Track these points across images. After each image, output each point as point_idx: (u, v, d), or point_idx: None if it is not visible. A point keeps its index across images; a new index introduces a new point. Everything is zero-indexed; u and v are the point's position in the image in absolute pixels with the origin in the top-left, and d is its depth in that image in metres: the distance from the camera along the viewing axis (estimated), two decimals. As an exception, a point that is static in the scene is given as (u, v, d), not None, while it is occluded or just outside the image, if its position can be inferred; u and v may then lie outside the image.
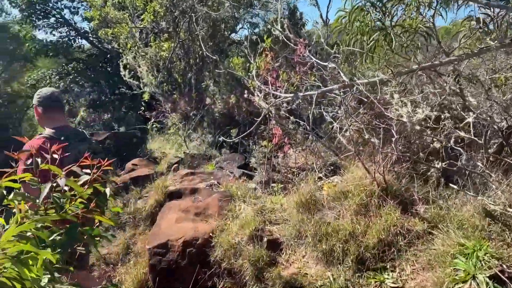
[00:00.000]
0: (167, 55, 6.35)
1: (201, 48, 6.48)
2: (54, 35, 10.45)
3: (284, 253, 3.03)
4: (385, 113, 3.01)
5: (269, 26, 4.13)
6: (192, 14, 5.80)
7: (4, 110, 14.42)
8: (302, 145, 4.49)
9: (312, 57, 4.02)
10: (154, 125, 6.78)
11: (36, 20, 9.41)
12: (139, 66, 6.90)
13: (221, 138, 6.58)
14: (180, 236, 3.28)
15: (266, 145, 4.44)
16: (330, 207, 3.24)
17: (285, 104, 4.46)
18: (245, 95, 4.58)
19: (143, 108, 6.77)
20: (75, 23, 10.79)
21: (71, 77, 9.34)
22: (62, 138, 2.33)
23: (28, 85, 9.93)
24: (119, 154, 5.28)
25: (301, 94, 3.87)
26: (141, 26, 6.62)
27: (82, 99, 10.88)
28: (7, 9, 10.23)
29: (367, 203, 3.13)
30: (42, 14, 9.28)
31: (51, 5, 10.11)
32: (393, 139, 3.01)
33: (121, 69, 6.83)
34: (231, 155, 5.16)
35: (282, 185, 4.06)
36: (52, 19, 10.35)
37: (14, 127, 14.98)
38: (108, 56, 9.58)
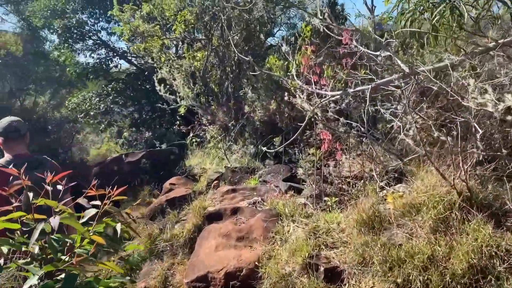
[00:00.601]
0: (200, 65, 5.98)
1: (236, 53, 6.07)
2: (93, 57, 10.48)
3: (347, 285, 2.47)
4: (463, 103, 2.39)
5: (307, 19, 3.63)
6: (223, 17, 5.41)
7: (54, 136, 14.77)
8: (356, 150, 3.92)
9: (360, 47, 3.46)
10: (194, 140, 6.42)
11: (74, 44, 9.44)
12: (175, 80, 6.60)
13: (264, 148, 6.11)
14: (222, 267, 2.80)
15: (314, 153, 3.89)
16: (399, 224, 2.64)
17: (332, 104, 3.91)
18: (286, 98, 4.08)
19: (177, 123, 6.44)
20: (112, 43, 10.79)
21: (111, 97, 9.26)
22: (13, 166, 2.12)
23: (69, 109, 10.04)
24: (156, 174, 4.93)
25: (351, 90, 3.31)
26: (173, 37, 6.31)
27: (127, 119, 10.84)
28: (49, 37, 10.36)
29: (447, 217, 2.50)
30: (79, 37, 9.29)
31: (88, 28, 10.15)
32: (477, 135, 2.38)
33: (156, 84, 6.55)
34: (276, 166, 4.65)
35: (336, 199, 3.50)
36: (90, 42, 10.39)
37: (64, 152, 15.33)
38: (146, 73, 9.43)
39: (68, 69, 10.33)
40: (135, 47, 6.33)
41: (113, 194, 1.96)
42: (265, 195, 3.87)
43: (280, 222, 3.28)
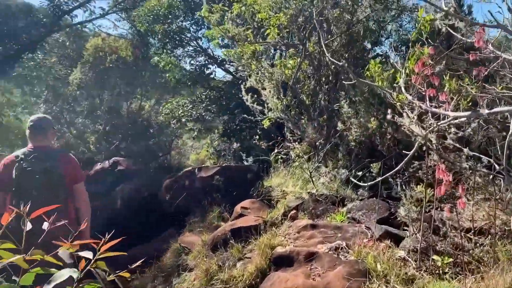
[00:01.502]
0: (292, 73, 5.30)
1: (334, 62, 5.27)
2: (192, 64, 10.44)
3: None
4: None
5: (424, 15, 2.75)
6: (321, 18, 4.67)
7: (155, 139, 15.27)
8: (484, 193, 2.88)
9: (500, 53, 2.46)
10: (278, 157, 5.73)
11: (174, 50, 9.44)
12: (264, 89, 6.01)
13: (354, 179, 5.23)
14: None
15: (423, 192, 2.93)
16: None
17: (453, 129, 2.93)
18: (390, 116, 3.19)
19: (257, 137, 5.82)
20: (212, 51, 10.66)
21: (203, 105, 9.05)
22: (30, 155, 2.98)
23: (163, 114, 10.11)
24: (229, 193, 4.34)
25: (486, 111, 2.34)
26: (265, 42, 5.73)
27: (218, 128, 10.62)
28: (153, 43, 10.55)
29: None
30: (178, 43, 9.26)
31: (189, 35, 10.12)
32: None
33: (243, 93, 6.03)
34: (370, 201, 3.74)
35: (450, 260, 2.52)
36: (190, 49, 10.37)
37: (163, 155, 15.79)
38: (240, 82, 9.07)
39: (168, 75, 10.41)
40: (225, 53, 5.88)
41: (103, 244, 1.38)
42: (351, 239, 3.01)
43: (368, 283, 2.41)
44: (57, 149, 3.68)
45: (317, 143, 5.16)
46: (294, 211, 3.78)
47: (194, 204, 4.24)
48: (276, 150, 5.74)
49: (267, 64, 5.97)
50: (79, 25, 13.43)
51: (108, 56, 13.65)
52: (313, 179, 4.83)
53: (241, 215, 3.82)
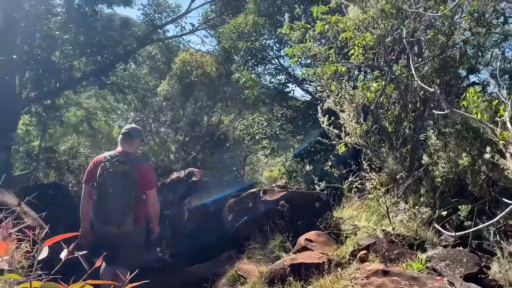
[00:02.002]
0: (375, 97, 4.89)
1: (424, 87, 4.77)
2: (272, 82, 10.36)
3: None
4: None
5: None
6: (411, 39, 4.25)
7: (230, 153, 15.43)
8: None
9: None
10: (353, 186, 5.31)
11: (255, 67, 9.42)
12: (342, 112, 5.65)
13: (444, 213, 4.67)
14: None
15: (526, 251, 2.40)
16: None
17: None
18: (488, 155, 2.70)
19: (330, 163, 5.44)
20: (293, 70, 10.51)
21: (279, 124, 8.87)
22: (114, 158, 3.48)
23: (238, 130, 10.09)
24: (293, 221, 4.03)
25: None
26: (348, 63, 5.40)
27: (294, 147, 10.38)
28: (236, 59, 10.64)
29: None
30: (260, 60, 9.22)
31: (272, 53, 10.08)
32: None
33: (319, 114, 5.72)
34: (456, 250, 3.20)
35: None
36: (272, 67, 10.30)
37: (237, 169, 15.88)
38: (319, 102, 8.78)
39: (247, 91, 10.43)
40: (304, 71, 5.64)
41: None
42: (430, 297, 2.54)
43: None
44: (138, 156, 4.06)
45: (397, 176, 4.67)
46: (364, 252, 3.36)
47: (256, 229, 4.00)
48: (350, 179, 5.33)
49: (348, 85, 5.62)
50: (169, 40, 14.10)
51: (194, 70, 14.17)
52: (390, 215, 4.34)
53: (304, 248, 3.49)
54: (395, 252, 3.32)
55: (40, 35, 10.96)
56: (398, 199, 4.49)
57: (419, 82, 4.19)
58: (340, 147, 5.11)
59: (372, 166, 5.09)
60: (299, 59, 6.66)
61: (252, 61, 9.05)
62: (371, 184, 4.61)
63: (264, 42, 9.70)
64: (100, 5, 11.62)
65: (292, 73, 10.36)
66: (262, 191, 4.25)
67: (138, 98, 15.90)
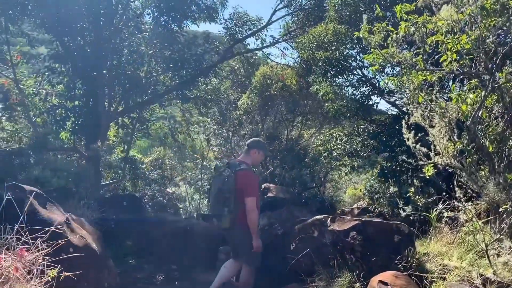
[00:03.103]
0: (472, 110, 4.08)
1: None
2: (354, 95, 9.66)
3: None
4: None
5: None
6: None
7: (310, 169, 14.84)
8: None
9: None
10: (444, 215, 4.50)
11: (334, 78, 8.83)
12: (432, 127, 4.90)
13: None
14: None
15: None
16: None
17: None
18: None
19: (412, 188, 4.66)
20: (377, 81, 9.71)
21: (360, 139, 8.15)
22: (228, 165, 4.36)
23: (315, 145, 9.51)
24: (366, 257, 3.39)
25: None
26: (439, 70, 4.63)
27: (377, 166, 9.55)
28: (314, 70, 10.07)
29: None
30: (340, 71, 8.61)
31: (354, 63, 9.42)
32: None
33: (404, 130, 5.02)
34: None
35: None
36: (354, 78, 9.63)
37: (316, 186, 15.22)
38: (407, 116, 7.91)
39: (326, 104, 9.86)
40: (387, 81, 4.98)
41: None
42: None
43: None
44: (245, 165, 4.42)
45: (500, 206, 3.80)
46: (454, 305, 2.65)
47: (321, 263, 3.44)
48: (440, 206, 4.52)
49: (439, 97, 4.84)
50: (250, 53, 14.04)
51: (274, 83, 13.90)
52: (490, 256, 3.51)
53: (376, 293, 2.87)
54: (498, 309, 2.56)
55: (127, 50, 11.51)
56: (501, 236, 3.63)
57: None
58: (428, 169, 4.35)
59: (468, 193, 4.25)
60: (381, 68, 5.98)
61: (332, 71, 8.46)
62: (466, 215, 3.79)
63: (345, 52, 9.07)
64: (185, 21, 11.92)
65: (377, 84, 9.56)
66: (330, 219, 3.67)
67: (220, 112, 16.07)
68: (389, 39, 4.43)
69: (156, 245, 6.51)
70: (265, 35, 12.74)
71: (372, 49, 4.72)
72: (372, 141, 8.20)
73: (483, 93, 3.97)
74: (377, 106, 8.96)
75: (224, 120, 16.27)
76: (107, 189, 13.11)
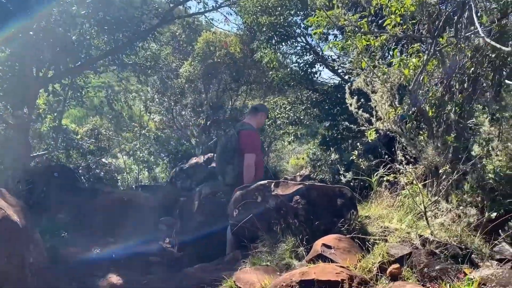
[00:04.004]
0: (414, 75, 4.09)
1: (476, 63, 3.94)
2: (298, 63, 9.57)
3: None
4: None
5: None
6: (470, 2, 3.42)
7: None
8: None
9: None
10: (384, 179, 4.55)
11: (278, 44, 8.65)
12: (374, 92, 4.89)
13: (493, 215, 3.94)
14: None
15: None
16: None
17: None
18: None
19: (355, 152, 4.69)
20: (321, 50, 9.66)
21: (303, 107, 8.11)
22: (234, 127, 4.64)
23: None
24: (309, 221, 3.32)
25: None
26: (383, 32, 4.59)
27: (319, 134, 9.64)
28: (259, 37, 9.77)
29: None
30: (284, 37, 8.43)
31: (298, 30, 9.26)
32: None
33: (347, 95, 4.98)
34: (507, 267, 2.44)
35: None
36: (298, 46, 9.50)
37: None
38: (350, 83, 7.97)
39: (271, 72, 9.70)
40: (331, 45, 4.88)
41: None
42: None
43: None
44: (250, 126, 4.61)
45: (439, 169, 3.88)
46: (396, 266, 2.64)
47: (264, 228, 3.33)
48: (381, 171, 4.57)
49: (381, 62, 4.82)
50: (192, 17, 13.43)
51: (218, 50, 13.49)
52: (428, 218, 3.58)
53: (320, 256, 2.80)
54: (436, 268, 2.59)
55: (57, 10, 10.51)
56: (439, 198, 3.72)
57: (488, 40, 3.29)
58: (370, 134, 4.36)
59: (408, 157, 4.31)
60: (324, 35, 5.89)
61: (276, 38, 8.27)
62: (406, 179, 3.84)
63: (290, 18, 8.89)
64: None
65: (320, 53, 9.53)
66: (273, 184, 3.55)
67: (160, 80, 15.42)
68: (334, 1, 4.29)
69: (91, 217, 6.14)
70: (207, -1, 12.16)
71: (317, 11, 4.57)
72: (315, 109, 8.21)
73: (425, 57, 3.97)
74: (320, 74, 8.95)
75: (165, 88, 15.66)
76: (38, 160, 12.20)
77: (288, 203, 3.35)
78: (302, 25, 9.37)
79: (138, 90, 16.87)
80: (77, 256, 5.02)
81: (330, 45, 4.85)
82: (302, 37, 9.20)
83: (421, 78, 4.04)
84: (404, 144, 4.59)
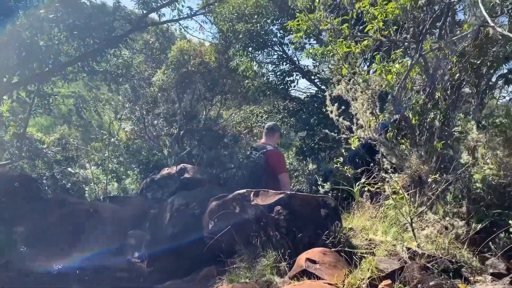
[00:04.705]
0: (396, 80, 3.95)
1: (461, 69, 3.84)
2: (274, 71, 9.42)
3: None
4: None
5: None
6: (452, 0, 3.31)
7: (228, 150, 14.55)
8: None
9: None
10: (365, 189, 4.37)
11: (255, 52, 8.47)
12: (355, 100, 4.74)
13: (478, 226, 3.83)
14: None
15: None
16: None
17: None
18: None
19: (339, 159, 4.53)
20: (298, 59, 9.56)
21: (280, 117, 7.93)
22: (254, 148, 4.62)
23: (234, 122, 9.17)
24: (292, 233, 3.08)
25: None
26: (365, 36, 4.46)
27: (296, 144, 9.46)
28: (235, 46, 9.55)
29: None
30: (261, 45, 8.26)
31: (275, 39, 9.13)
32: None
33: (327, 102, 4.81)
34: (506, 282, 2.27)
35: None
36: (274, 55, 9.37)
37: (235, 167, 14.94)
38: (328, 90, 7.85)
39: (246, 81, 9.50)
40: (310, 50, 4.71)
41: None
42: None
43: None
44: (271, 147, 4.81)
45: (424, 178, 3.73)
46: (387, 282, 2.42)
47: (243, 241, 3.06)
48: (363, 180, 4.39)
49: (362, 69, 4.68)
50: (166, 25, 13.15)
51: (192, 59, 13.20)
52: (414, 229, 3.41)
53: (304, 272, 2.56)
54: (431, 283, 2.38)
55: (23, 13, 10.03)
56: (425, 209, 3.55)
57: (499, 29, 3.13)
58: (353, 141, 4.18)
59: (390, 166, 4.15)
60: (302, 42, 5.73)
61: (253, 45, 8.09)
62: (391, 188, 3.66)
63: (266, 26, 8.75)
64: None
65: (297, 62, 9.42)
66: (253, 193, 3.30)
67: (132, 88, 14.99)
68: (316, 1, 4.13)
69: (55, 230, 5.70)
70: (182, 6, 11.92)
71: (298, 14, 4.40)
72: (292, 119, 8.03)
73: (409, 62, 3.84)
74: (297, 83, 8.81)
75: (137, 97, 15.20)
76: (1, 170, 11.50)
77: (268, 214, 3.09)
78: (279, 34, 9.27)
79: (108, 99, 16.35)
80: (37, 272, 4.61)
81: (310, 51, 4.67)
82: (278, 46, 9.08)
83: (405, 84, 3.90)
84: (385, 154, 4.44)
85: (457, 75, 3.80)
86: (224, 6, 8.29)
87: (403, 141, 4.43)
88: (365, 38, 4.43)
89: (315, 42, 8.08)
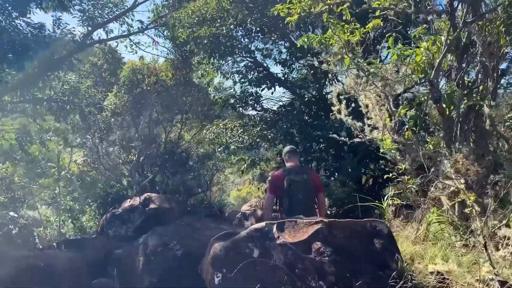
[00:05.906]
0: (429, 61, 3.12)
1: (499, 44, 3.08)
2: (242, 82, 8.52)
3: None
4: None
5: None
6: None
7: (194, 173, 13.45)
8: None
9: None
10: (394, 202, 3.50)
11: (221, 59, 7.54)
12: (364, 96, 3.92)
13: None
14: None
15: None
16: None
17: None
18: None
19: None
20: (268, 66, 8.73)
21: (258, 129, 7.00)
22: (293, 172, 4.35)
23: (206, 139, 8.20)
24: (343, 280, 2.11)
25: None
26: (372, 20, 3.64)
27: (273, 161, 8.55)
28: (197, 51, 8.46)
29: None
30: (228, 52, 7.33)
31: (240, 46, 8.24)
32: None
33: (334, 101, 3.93)
34: None
35: None
36: (241, 64, 8.47)
37: (203, 191, 13.81)
38: (306, 99, 6.99)
39: (213, 95, 8.50)
40: (304, 38, 3.84)
41: None
42: None
43: None
44: (304, 167, 5.44)
45: (483, 182, 2.89)
46: None
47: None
48: (391, 192, 3.52)
49: (363, 59, 3.87)
50: (114, 41, 11.99)
51: (146, 78, 12.09)
52: (489, 251, 2.54)
53: None
54: None
55: None
56: (496, 224, 2.69)
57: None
58: (386, 143, 3.30)
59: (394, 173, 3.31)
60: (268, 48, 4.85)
61: (219, 52, 7.14)
62: (449, 200, 2.78)
63: (231, 32, 7.86)
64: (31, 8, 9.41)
65: (267, 69, 8.58)
66: (276, 226, 2.30)
67: (82, 116, 13.62)
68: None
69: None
70: (132, 19, 10.87)
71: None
72: (272, 129, 7.11)
73: (443, 38, 3.03)
74: (273, 92, 7.92)
75: (87, 125, 13.83)
76: None
77: (305, 256, 2.11)
78: (244, 42, 8.42)
79: (56, 129, 14.79)
80: None
81: (305, 39, 3.80)
82: (245, 52, 8.18)
83: (443, 62, 3.08)
84: (412, 156, 3.60)
85: (501, 51, 3.02)
86: (182, 11, 7.32)
87: (428, 139, 3.62)
88: (373, 18, 3.62)
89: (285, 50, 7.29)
